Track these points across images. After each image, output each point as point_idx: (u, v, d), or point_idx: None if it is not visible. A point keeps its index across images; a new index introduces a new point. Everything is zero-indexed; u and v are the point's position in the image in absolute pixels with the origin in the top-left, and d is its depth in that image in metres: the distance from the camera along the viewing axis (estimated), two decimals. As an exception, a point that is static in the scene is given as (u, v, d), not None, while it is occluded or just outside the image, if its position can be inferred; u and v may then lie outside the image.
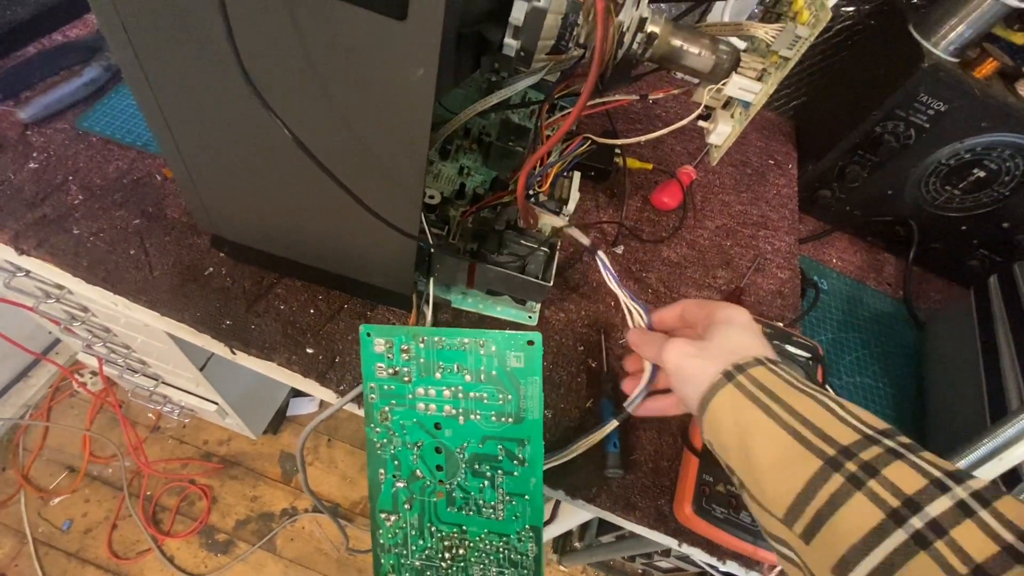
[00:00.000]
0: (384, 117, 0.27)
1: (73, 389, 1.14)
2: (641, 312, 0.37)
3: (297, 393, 1.22)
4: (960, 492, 0.21)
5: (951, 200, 0.65)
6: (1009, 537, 0.19)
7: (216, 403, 0.88)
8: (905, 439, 0.24)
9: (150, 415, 1.15)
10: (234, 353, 0.44)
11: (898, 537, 0.21)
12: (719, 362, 0.29)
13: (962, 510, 0.21)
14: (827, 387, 0.46)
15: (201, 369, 0.73)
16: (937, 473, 0.22)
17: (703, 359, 0.30)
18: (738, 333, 0.31)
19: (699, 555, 0.41)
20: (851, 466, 0.23)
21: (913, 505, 0.21)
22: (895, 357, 0.62)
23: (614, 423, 0.39)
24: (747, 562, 0.40)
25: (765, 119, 0.77)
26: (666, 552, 0.82)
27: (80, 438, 1.09)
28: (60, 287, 0.59)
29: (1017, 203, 0.62)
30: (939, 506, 0.21)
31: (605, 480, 0.41)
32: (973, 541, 0.20)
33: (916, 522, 0.21)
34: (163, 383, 0.87)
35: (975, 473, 0.39)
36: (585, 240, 0.42)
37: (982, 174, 0.61)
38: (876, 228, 0.71)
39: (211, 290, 0.44)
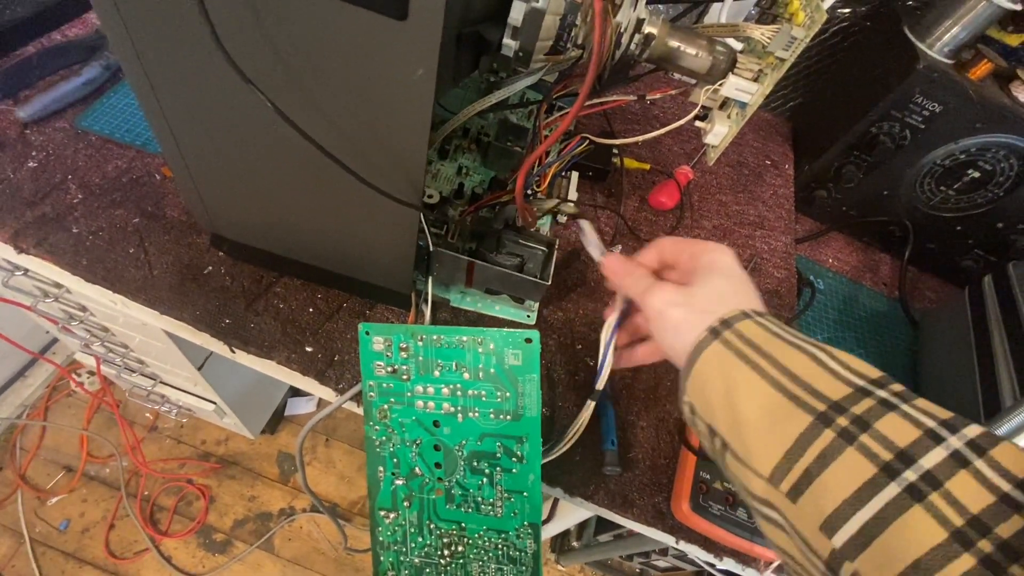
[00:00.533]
0: (384, 116, 0.27)
1: (70, 389, 1.14)
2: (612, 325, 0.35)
3: (295, 393, 1.22)
4: (955, 442, 0.20)
5: (946, 200, 0.65)
6: (1006, 486, 0.19)
7: (214, 403, 0.88)
8: (898, 387, 0.23)
9: (148, 415, 1.15)
10: (233, 352, 0.44)
11: (891, 491, 0.20)
12: (705, 315, 0.28)
13: (957, 460, 0.20)
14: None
15: (199, 368, 0.73)
16: (931, 423, 0.21)
17: (687, 308, 0.29)
18: (723, 280, 0.29)
19: (696, 552, 0.41)
20: (842, 421, 0.22)
21: (906, 458, 0.20)
22: (891, 356, 0.63)
23: (591, 404, 0.38)
24: (744, 559, 0.41)
25: (762, 120, 0.77)
26: (664, 551, 0.83)
27: (77, 438, 1.09)
28: (59, 286, 0.59)
29: (1011, 204, 0.62)
30: (933, 457, 0.20)
31: (603, 478, 0.42)
32: (969, 492, 0.19)
33: (910, 475, 0.20)
34: (161, 382, 0.87)
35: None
36: (573, 209, 0.42)
37: (977, 175, 0.61)
38: (872, 228, 0.71)
39: (210, 289, 0.44)
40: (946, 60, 0.58)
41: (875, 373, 0.24)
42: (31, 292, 0.61)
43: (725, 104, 0.42)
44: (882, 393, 0.23)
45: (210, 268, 0.45)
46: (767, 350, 0.26)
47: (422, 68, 0.23)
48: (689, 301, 0.29)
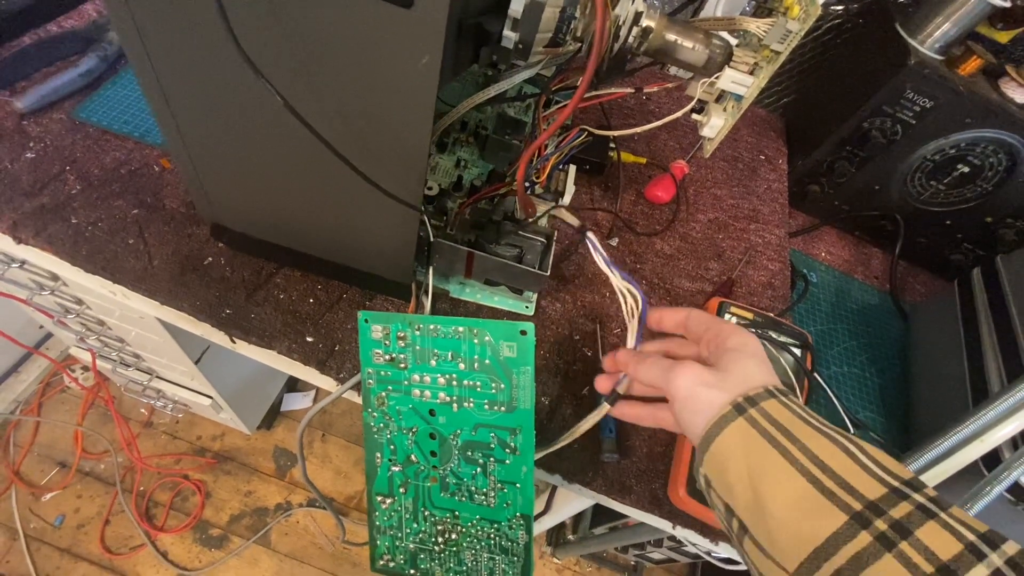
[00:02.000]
0: (389, 105, 0.27)
1: (65, 384, 1.13)
2: (637, 295, 0.36)
3: (291, 388, 1.22)
4: (996, 560, 0.20)
5: (936, 195, 0.66)
6: None
7: (211, 397, 0.88)
8: (932, 492, 0.23)
9: (143, 410, 1.15)
10: (234, 342, 0.44)
11: None
12: (734, 395, 0.27)
13: None
14: (816, 375, 0.48)
15: (196, 362, 0.73)
16: (972, 537, 0.21)
17: (719, 390, 0.27)
18: (754, 363, 0.29)
19: (693, 537, 0.42)
20: (880, 524, 0.21)
21: (948, 573, 0.20)
22: (882, 348, 0.64)
23: (605, 406, 0.40)
24: (738, 543, 0.42)
25: (756, 115, 0.78)
26: (659, 542, 0.84)
27: (72, 433, 1.09)
28: (55, 278, 0.59)
29: (1000, 198, 0.64)
30: (976, 575, 0.20)
31: (601, 465, 0.42)
32: None
33: None
34: (157, 377, 0.86)
35: (959, 455, 0.40)
36: (574, 221, 0.43)
37: (966, 169, 0.63)
38: (863, 222, 0.72)
39: (211, 279, 0.45)
40: (937, 56, 0.59)
41: (907, 473, 0.24)
42: (26, 285, 0.61)
43: (721, 97, 0.43)
44: (919, 498, 0.22)
45: (210, 259, 0.46)
46: (796, 434, 0.25)
47: (427, 56, 0.24)
48: (723, 383, 0.28)
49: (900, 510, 0.22)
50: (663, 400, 0.32)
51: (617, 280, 0.37)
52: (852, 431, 0.45)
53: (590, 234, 0.40)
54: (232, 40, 0.23)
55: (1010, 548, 0.20)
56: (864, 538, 0.21)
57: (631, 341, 0.36)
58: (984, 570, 0.20)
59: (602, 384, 0.36)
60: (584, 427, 0.39)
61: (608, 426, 0.43)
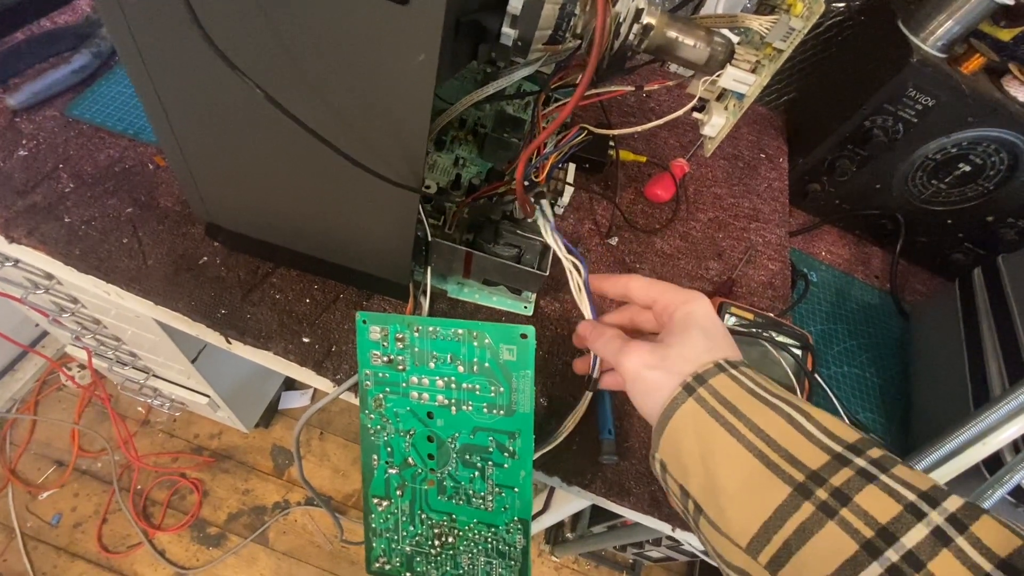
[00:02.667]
0: (385, 103, 0.27)
1: (61, 382, 1.13)
2: (579, 266, 0.36)
3: (289, 386, 1.22)
4: (936, 517, 0.20)
5: (937, 194, 0.66)
6: (987, 566, 0.19)
7: (208, 396, 0.87)
8: (877, 452, 0.23)
9: (140, 409, 1.14)
10: (229, 343, 0.44)
11: (873, 571, 0.20)
12: (680, 376, 0.27)
13: (939, 538, 0.20)
14: (816, 376, 0.47)
15: (193, 361, 0.72)
16: (911, 496, 0.21)
17: (662, 371, 0.28)
18: (699, 335, 0.29)
19: (692, 539, 0.42)
20: (821, 493, 0.22)
21: (887, 535, 0.20)
22: (882, 348, 0.64)
23: (588, 395, 0.39)
24: (738, 546, 0.41)
25: (756, 113, 0.78)
26: (657, 541, 0.84)
27: (68, 432, 1.08)
28: (50, 277, 0.58)
29: (1001, 197, 0.63)
30: (915, 535, 0.20)
31: (600, 467, 0.42)
32: (951, 573, 0.19)
33: (892, 555, 0.20)
34: (153, 376, 0.86)
35: (961, 458, 0.40)
36: (541, 187, 0.41)
37: (967, 168, 0.62)
38: (864, 222, 0.72)
39: (206, 279, 0.44)
40: (939, 54, 0.59)
41: (853, 436, 0.24)
42: (21, 283, 0.60)
43: (722, 95, 0.43)
44: (860, 461, 0.23)
45: (205, 258, 0.45)
46: (743, 410, 0.25)
47: (423, 53, 0.23)
48: (664, 363, 0.28)
49: (840, 477, 0.22)
50: None
51: (561, 252, 0.36)
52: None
53: (544, 202, 0.39)
54: (201, 32, 0.22)
55: (952, 504, 0.21)
56: (807, 508, 0.22)
57: (586, 313, 0.35)
58: (924, 529, 0.20)
59: (578, 366, 0.36)
60: (572, 422, 0.39)
61: (607, 427, 0.42)
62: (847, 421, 0.49)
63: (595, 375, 0.37)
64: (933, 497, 0.21)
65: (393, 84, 0.25)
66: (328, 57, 0.25)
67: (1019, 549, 0.19)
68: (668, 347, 0.28)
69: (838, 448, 0.23)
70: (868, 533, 0.20)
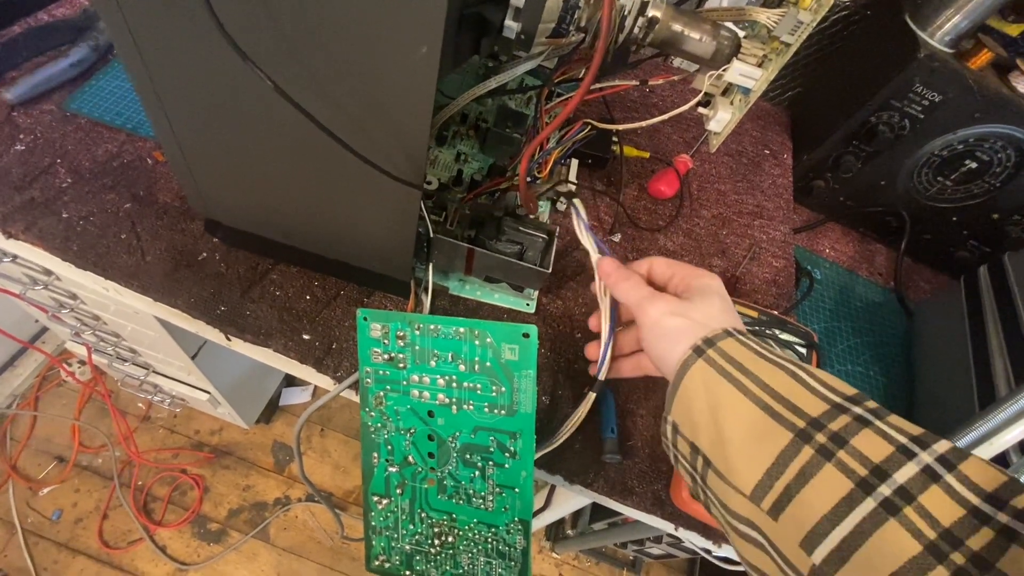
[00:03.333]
0: (387, 95, 0.26)
1: (61, 378, 1.12)
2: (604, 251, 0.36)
3: (289, 383, 1.22)
4: (926, 457, 0.21)
5: (943, 191, 0.65)
6: (975, 499, 0.20)
7: (208, 392, 0.87)
8: (873, 404, 0.24)
9: (140, 405, 1.14)
10: (229, 339, 0.43)
11: (867, 506, 0.21)
12: (700, 327, 0.29)
13: (929, 475, 0.21)
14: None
15: (193, 358, 0.72)
16: (903, 439, 0.22)
17: (684, 319, 0.29)
18: (718, 300, 0.31)
19: (695, 539, 0.41)
20: (820, 437, 0.23)
21: (881, 473, 0.21)
22: (886, 346, 0.63)
23: (591, 395, 0.39)
24: (741, 545, 0.41)
25: (761, 109, 0.77)
26: (658, 538, 0.83)
27: (69, 428, 1.08)
28: (48, 273, 0.58)
29: (1007, 194, 0.63)
30: (906, 472, 0.21)
31: (603, 465, 0.42)
32: (940, 506, 0.20)
33: (884, 489, 0.21)
34: (154, 372, 0.86)
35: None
36: (569, 187, 0.42)
37: (974, 165, 0.62)
38: (869, 218, 0.71)
39: (205, 275, 0.44)
40: (946, 49, 0.58)
41: (850, 391, 0.25)
42: (20, 279, 0.60)
43: (728, 90, 0.42)
44: (857, 410, 0.24)
45: (204, 254, 0.45)
46: (749, 368, 0.26)
47: (426, 46, 0.23)
48: (687, 312, 0.30)
49: (839, 423, 0.23)
50: (642, 350, 0.34)
51: (593, 252, 0.36)
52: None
53: (576, 200, 0.39)
54: (215, 22, 0.22)
55: (941, 447, 0.22)
56: (807, 452, 0.23)
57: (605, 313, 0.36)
58: (914, 467, 0.21)
59: (591, 351, 0.37)
60: (575, 421, 0.39)
61: (610, 426, 0.42)
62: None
63: (601, 376, 0.36)
64: (924, 440, 0.22)
65: (395, 77, 0.25)
66: (330, 49, 0.25)
67: (1004, 484, 0.20)
68: (691, 300, 0.31)
69: (837, 399, 0.24)
70: (863, 472, 0.21)
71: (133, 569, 0.99)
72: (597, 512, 0.98)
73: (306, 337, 0.42)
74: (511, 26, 0.34)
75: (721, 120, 0.41)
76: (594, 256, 0.36)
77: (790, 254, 0.61)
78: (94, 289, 0.45)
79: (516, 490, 0.36)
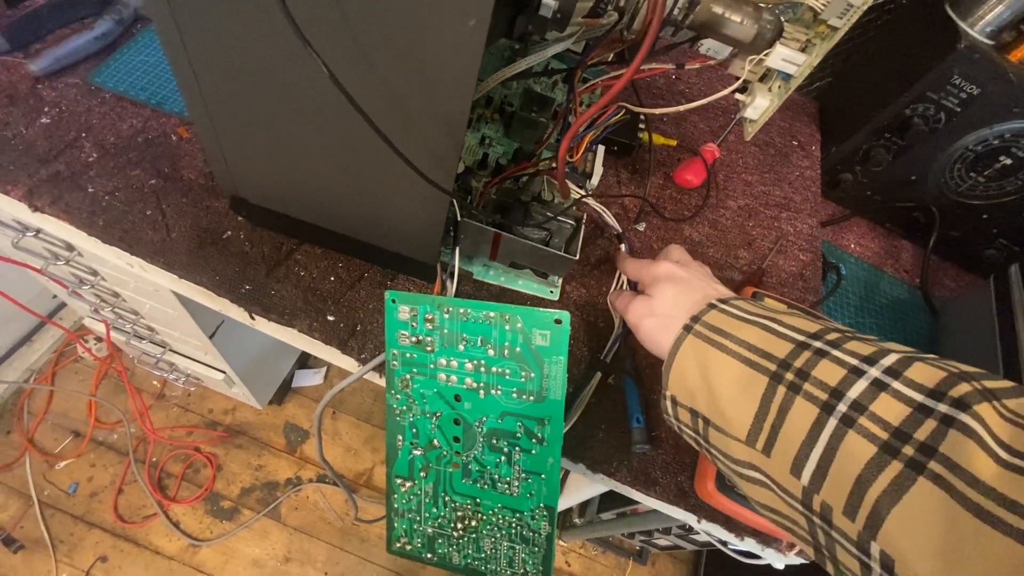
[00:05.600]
0: (431, 68, 0.26)
1: (77, 354, 1.14)
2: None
3: (302, 365, 1.22)
4: (874, 371, 0.24)
5: (975, 187, 0.64)
6: (919, 397, 0.22)
7: (224, 372, 0.88)
8: (834, 335, 0.27)
9: (155, 383, 1.15)
10: (253, 319, 0.43)
11: (831, 425, 0.23)
12: (666, 318, 0.34)
13: (877, 386, 0.23)
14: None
15: (211, 337, 0.72)
16: (854, 361, 0.25)
17: (653, 317, 0.35)
18: (671, 286, 0.35)
19: (716, 531, 0.41)
20: (789, 376, 0.26)
21: (837, 394, 0.24)
22: (910, 343, 0.61)
23: (597, 375, 0.43)
24: (765, 539, 0.41)
25: (789, 99, 0.75)
26: (667, 530, 0.83)
27: (85, 403, 1.09)
28: (70, 248, 0.58)
29: (1042, 192, 0.61)
30: (858, 388, 0.23)
31: (626, 455, 0.41)
32: (889, 409, 0.22)
33: (842, 407, 0.23)
34: (170, 350, 0.86)
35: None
36: (615, 225, 0.45)
37: (1008, 161, 0.60)
38: (895, 214, 0.70)
39: (230, 254, 0.43)
40: (987, 41, 0.56)
41: (814, 327, 0.28)
42: (41, 254, 0.60)
43: (766, 76, 0.41)
44: (817, 344, 0.26)
45: (229, 233, 0.44)
46: (729, 331, 0.30)
47: (474, 18, 0.22)
48: (652, 311, 0.35)
49: (802, 359, 0.26)
50: None
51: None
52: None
53: (624, 246, 0.44)
54: (279, 4, 0.21)
55: (889, 359, 0.24)
56: (781, 391, 0.26)
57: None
58: (864, 382, 0.24)
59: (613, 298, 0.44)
60: (582, 401, 0.41)
61: (635, 415, 0.42)
62: None
63: (607, 358, 0.37)
64: (872, 358, 0.24)
65: (442, 50, 0.24)
66: (373, 19, 0.24)
67: (944, 379, 0.22)
68: (651, 299, 0.36)
69: (801, 338, 0.27)
70: (823, 396, 0.24)
71: (147, 543, 1.01)
72: (605, 501, 0.98)
73: (331, 318, 0.42)
74: (548, 4, 0.33)
75: (759, 107, 0.40)
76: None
77: (817, 248, 0.60)
78: (116, 265, 0.45)
79: (542, 476, 0.36)
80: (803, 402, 0.25)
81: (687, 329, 0.31)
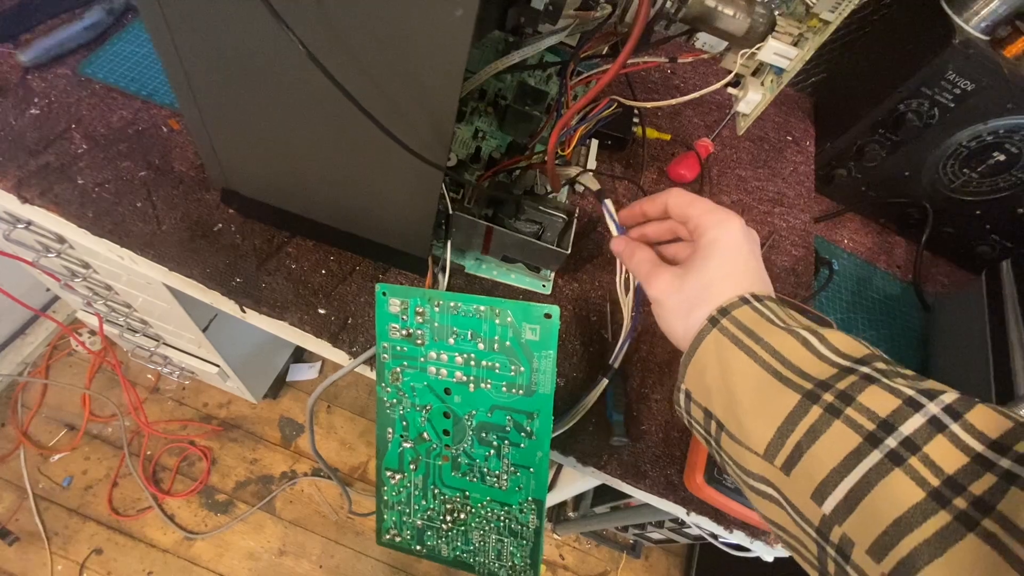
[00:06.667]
0: (418, 60, 0.25)
1: (71, 348, 1.13)
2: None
3: (297, 359, 1.22)
4: (933, 408, 0.21)
5: (968, 184, 0.64)
6: (979, 447, 0.20)
7: (218, 366, 0.88)
8: (883, 364, 0.24)
9: (149, 376, 1.15)
10: (244, 312, 0.43)
11: (874, 457, 0.21)
12: (694, 303, 0.29)
13: (934, 425, 0.21)
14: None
15: (204, 330, 0.72)
16: (910, 392, 0.22)
17: (679, 298, 0.30)
18: (720, 263, 0.30)
19: (706, 524, 0.41)
20: (828, 397, 0.24)
21: (887, 426, 0.22)
22: (902, 339, 0.62)
23: (604, 381, 0.41)
24: (753, 531, 0.41)
25: (784, 95, 0.75)
26: (659, 523, 0.84)
27: (79, 397, 1.09)
28: (61, 240, 0.58)
29: (1034, 188, 0.61)
30: (912, 424, 0.21)
31: (616, 448, 0.42)
32: (944, 454, 0.20)
33: (891, 442, 0.21)
34: (164, 344, 0.86)
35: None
36: (595, 185, 0.42)
37: (1002, 157, 0.60)
38: (888, 210, 0.70)
39: (221, 246, 0.43)
40: (982, 36, 0.56)
41: (862, 352, 0.25)
42: (33, 247, 0.60)
43: (759, 70, 0.41)
44: (865, 369, 0.24)
45: (220, 225, 0.44)
46: (760, 335, 0.27)
47: (462, 8, 0.22)
48: (683, 287, 0.30)
49: (846, 382, 0.24)
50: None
51: (613, 231, 0.38)
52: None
53: (608, 201, 0.39)
54: None
55: (948, 397, 0.22)
56: (816, 411, 0.23)
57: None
58: (921, 419, 0.21)
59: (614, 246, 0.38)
60: (585, 405, 0.40)
61: (610, 411, 0.42)
62: None
63: (616, 364, 0.36)
64: (931, 392, 0.22)
65: (428, 42, 0.24)
66: (361, 8, 0.24)
67: (1010, 430, 0.20)
68: (687, 273, 0.30)
69: (846, 363, 0.25)
70: (870, 426, 0.22)
71: (142, 536, 1.01)
72: (599, 495, 0.98)
73: (322, 311, 0.42)
74: (541, -4, 0.33)
75: (751, 101, 0.40)
76: (614, 233, 0.37)
77: (810, 243, 0.60)
78: (108, 257, 0.45)
79: (531, 470, 0.36)
80: (842, 427, 0.22)
81: (713, 322, 0.28)
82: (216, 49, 0.29)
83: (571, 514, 1.09)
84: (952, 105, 0.57)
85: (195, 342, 0.79)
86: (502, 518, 0.38)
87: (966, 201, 0.65)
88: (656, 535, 0.99)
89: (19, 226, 0.54)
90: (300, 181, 0.39)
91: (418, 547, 0.40)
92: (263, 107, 0.33)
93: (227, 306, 0.43)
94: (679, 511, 0.41)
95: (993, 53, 0.55)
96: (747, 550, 0.45)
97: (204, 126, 0.36)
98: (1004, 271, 0.58)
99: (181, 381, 1.14)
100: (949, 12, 0.57)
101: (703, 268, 0.30)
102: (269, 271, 0.43)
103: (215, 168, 0.41)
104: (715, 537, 0.51)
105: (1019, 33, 0.56)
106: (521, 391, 0.34)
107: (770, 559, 0.44)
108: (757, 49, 0.37)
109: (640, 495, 0.42)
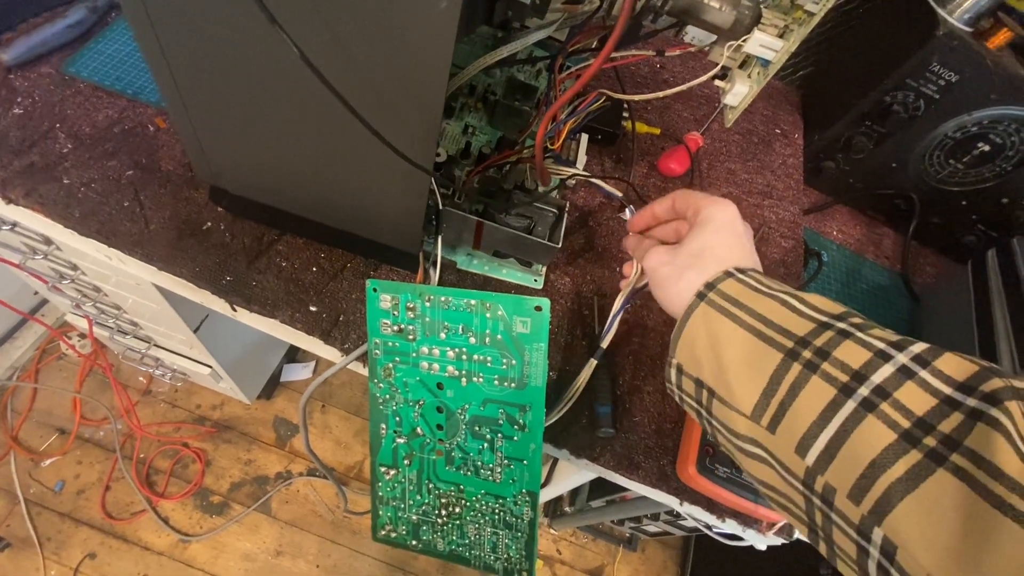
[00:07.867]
0: (404, 54, 0.25)
1: (61, 351, 1.12)
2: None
3: (291, 359, 1.22)
4: (902, 358, 0.23)
5: (953, 174, 0.65)
6: (947, 389, 0.21)
7: (210, 367, 0.87)
8: (858, 319, 0.26)
9: (141, 379, 1.14)
10: (235, 310, 0.43)
11: (848, 407, 0.23)
12: (685, 269, 0.31)
13: (903, 373, 0.22)
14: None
15: (195, 331, 0.72)
16: (881, 345, 0.23)
17: (671, 266, 0.32)
18: (712, 234, 0.32)
19: (699, 513, 0.42)
20: (807, 354, 0.25)
21: (860, 377, 0.23)
22: (891, 328, 0.63)
23: (593, 362, 0.41)
24: (745, 520, 0.41)
25: (772, 88, 0.76)
26: (655, 516, 0.84)
27: (70, 400, 1.08)
28: (48, 242, 0.57)
29: (1018, 178, 0.62)
30: (883, 373, 0.22)
31: (609, 440, 0.42)
32: (914, 398, 0.21)
33: (863, 391, 0.22)
34: (155, 345, 0.85)
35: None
36: (617, 192, 0.45)
37: (986, 148, 0.61)
38: (877, 201, 0.71)
39: (210, 245, 0.43)
40: (966, 28, 0.57)
41: (838, 309, 0.27)
42: (19, 248, 0.59)
43: (745, 63, 0.41)
44: (841, 325, 0.25)
45: (209, 224, 0.44)
46: (744, 302, 0.28)
47: (446, 0, 0.22)
48: (673, 259, 0.32)
49: (823, 338, 0.25)
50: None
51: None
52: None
53: (631, 208, 0.42)
54: None
55: (917, 347, 0.23)
56: (796, 368, 0.25)
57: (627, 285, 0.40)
58: (891, 368, 0.22)
59: (626, 269, 0.41)
60: (577, 387, 0.41)
61: (602, 402, 0.42)
62: None
63: (604, 344, 0.37)
64: (901, 344, 0.23)
65: (413, 34, 0.24)
66: (346, 3, 0.24)
67: (976, 372, 0.21)
68: (681, 245, 0.33)
69: (823, 318, 0.26)
70: (844, 378, 0.23)
71: (136, 539, 1.00)
72: (595, 489, 0.99)
73: (313, 309, 0.42)
74: (527, -11, 0.33)
75: (738, 93, 0.40)
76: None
77: (799, 235, 0.60)
78: (96, 258, 0.44)
79: (524, 462, 0.36)
80: (819, 382, 0.24)
81: (700, 296, 0.30)
82: (202, 46, 0.29)
83: (567, 509, 1.09)
84: (937, 96, 0.58)
85: (186, 343, 0.78)
86: (497, 511, 0.38)
87: (952, 191, 0.66)
88: (652, 528, 0.99)
89: (4, 228, 0.53)
90: (288, 177, 0.39)
91: (414, 542, 0.40)
92: (249, 103, 0.32)
93: (217, 305, 0.43)
94: (672, 501, 0.42)
95: (976, 44, 0.55)
96: (740, 539, 0.45)
97: (191, 123, 0.36)
98: (989, 261, 0.58)
99: (173, 383, 1.14)
100: (933, 4, 0.57)
101: (695, 238, 0.32)
102: (259, 269, 0.43)
103: (203, 166, 0.41)
104: (709, 527, 0.52)
105: (1001, 25, 0.56)
106: (513, 384, 0.34)
107: (763, 547, 0.44)
108: (743, 41, 0.37)
109: (634, 486, 0.42)
